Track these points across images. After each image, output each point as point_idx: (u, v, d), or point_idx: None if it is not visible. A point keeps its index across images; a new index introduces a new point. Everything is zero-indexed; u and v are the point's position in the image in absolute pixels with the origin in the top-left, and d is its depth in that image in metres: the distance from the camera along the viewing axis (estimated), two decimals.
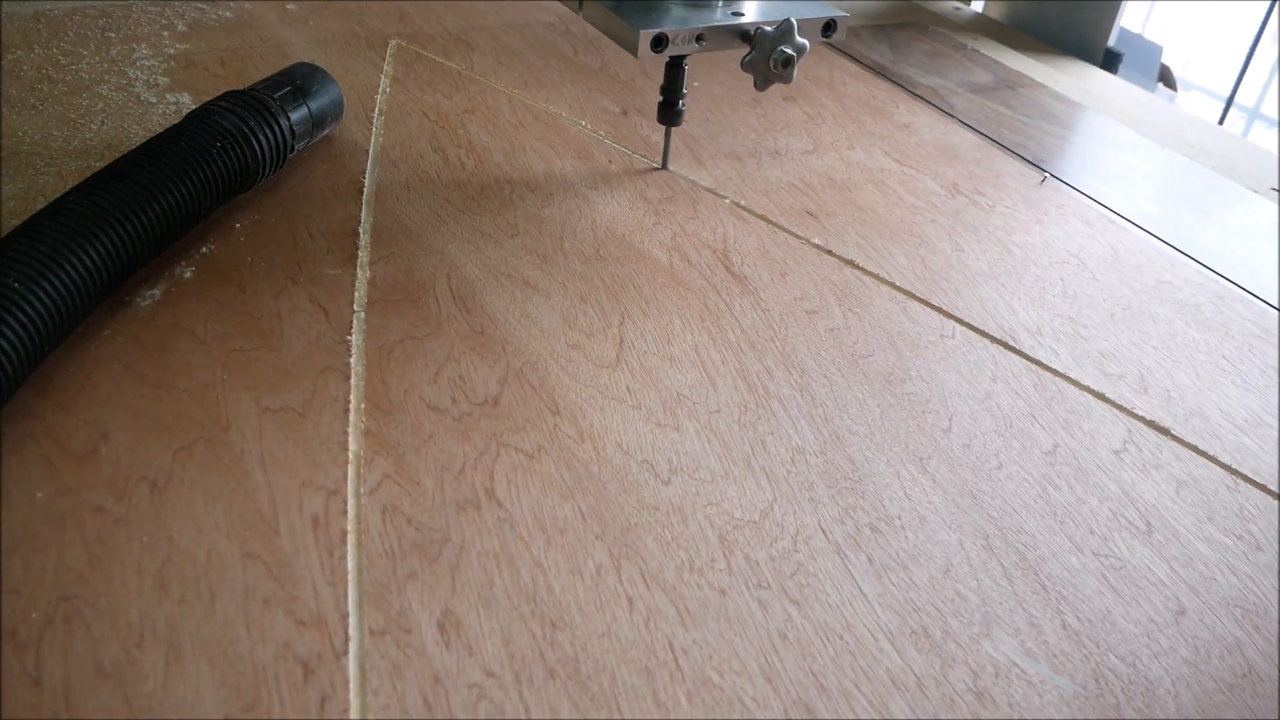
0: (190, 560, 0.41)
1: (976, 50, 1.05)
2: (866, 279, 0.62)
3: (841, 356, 0.55)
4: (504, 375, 0.52)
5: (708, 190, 0.71)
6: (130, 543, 0.41)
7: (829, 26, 0.64)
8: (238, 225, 0.62)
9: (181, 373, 0.50)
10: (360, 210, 0.64)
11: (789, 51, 0.60)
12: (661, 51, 0.59)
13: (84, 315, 0.51)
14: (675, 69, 0.67)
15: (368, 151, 0.71)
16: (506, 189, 0.68)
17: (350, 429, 0.48)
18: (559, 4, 0.99)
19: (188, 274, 0.57)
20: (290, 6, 0.95)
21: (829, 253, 0.65)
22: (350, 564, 0.41)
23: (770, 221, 0.68)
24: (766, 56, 0.60)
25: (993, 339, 0.58)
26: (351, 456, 0.46)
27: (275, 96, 0.64)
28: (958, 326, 0.59)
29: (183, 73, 0.79)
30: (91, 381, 0.49)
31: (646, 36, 0.58)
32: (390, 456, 0.46)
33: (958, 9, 1.22)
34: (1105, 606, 0.42)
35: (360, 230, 0.62)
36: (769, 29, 0.59)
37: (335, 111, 0.71)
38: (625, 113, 0.81)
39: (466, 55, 0.88)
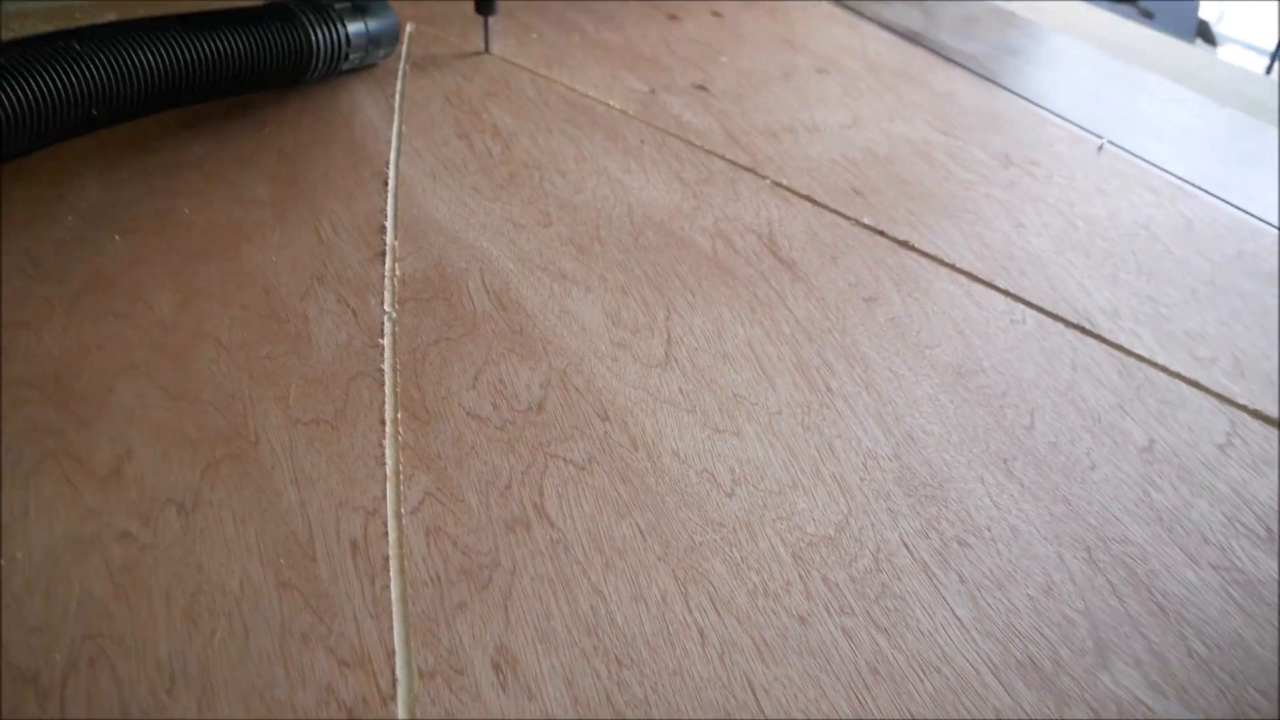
0: (221, 591, 0.37)
1: (1012, 12, 1.01)
2: (924, 261, 0.59)
3: (906, 347, 0.52)
4: (547, 378, 0.48)
5: (746, 170, 0.67)
6: (158, 571, 0.38)
7: None
8: (260, 224, 0.58)
9: (206, 383, 0.47)
10: (385, 203, 0.61)
11: None
12: None
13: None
14: None
15: (390, 141, 0.68)
16: (536, 175, 0.65)
17: (387, 441, 0.44)
18: None
19: (209, 277, 0.54)
20: None
21: (881, 233, 0.61)
22: (394, 593, 0.38)
23: (815, 202, 0.64)
24: None
25: (1068, 323, 0.54)
26: (389, 473, 0.43)
27: (337, 6, 0.71)
28: (1027, 310, 0.55)
29: None
30: (114, 394, 0.46)
31: None
32: (431, 471, 0.43)
33: None
34: (1234, 629, 0.38)
35: (386, 224, 0.59)
36: None
37: (390, 36, 0.75)
38: (653, 91, 0.77)
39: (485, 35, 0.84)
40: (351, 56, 0.72)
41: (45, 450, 0.43)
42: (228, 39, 0.62)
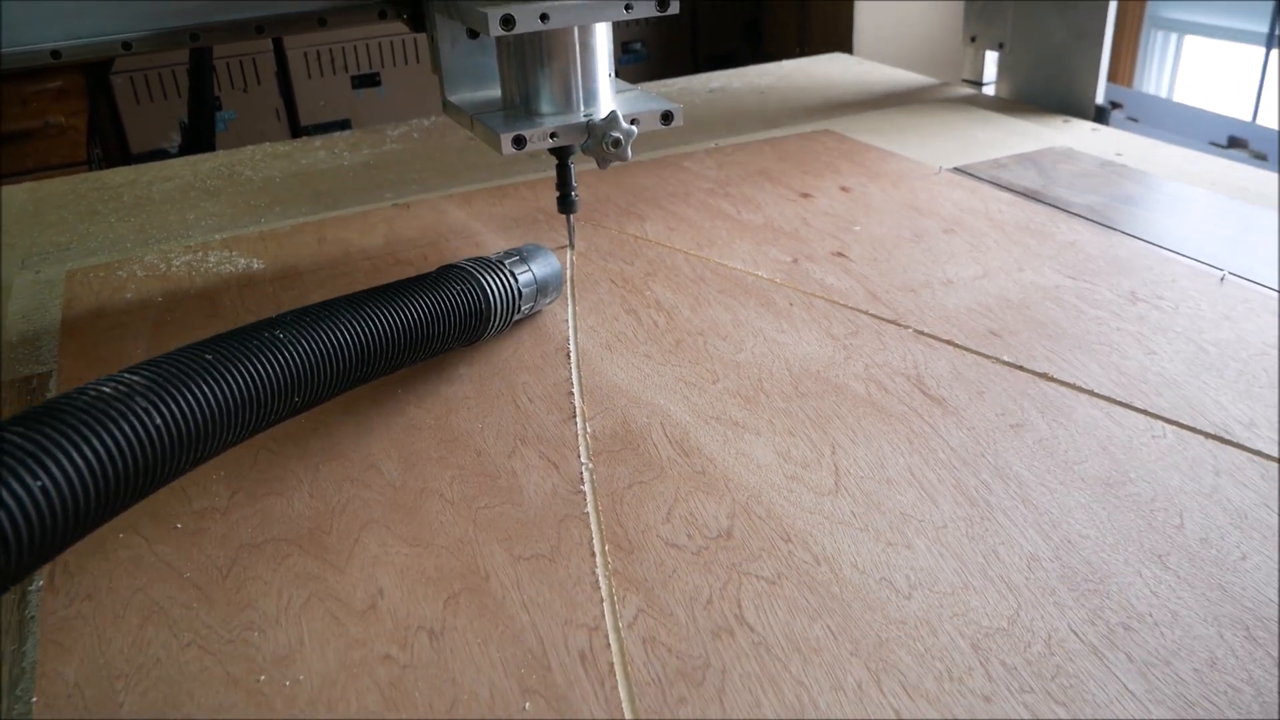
0: (476, 699, 0.44)
1: (1125, 165, 1.07)
2: (1064, 390, 0.64)
3: (1055, 465, 0.56)
4: (731, 510, 0.55)
5: (890, 322, 0.74)
6: (419, 686, 0.45)
7: (666, 116, 0.76)
8: (465, 398, 0.67)
9: (439, 532, 0.54)
10: (570, 373, 0.69)
11: (616, 134, 0.73)
12: (522, 149, 0.72)
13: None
14: (563, 167, 0.80)
15: (567, 321, 0.77)
16: (699, 340, 0.73)
17: (599, 569, 0.51)
18: (713, 173, 1.05)
19: (426, 444, 0.62)
20: (471, 198, 1.03)
21: (1021, 368, 0.67)
22: (622, 694, 0.44)
23: (957, 345, 0.70)
24: (599, 140, 0.73)
25: (1206, 435, 0.58)
26: (605, 595, 0.49)
27: (506, 262, 0.73)
28: (1167, 426, 0.59)
29: (391, 270, 0.88)
30: (361, 545, 0.54)
31: (507, 138, 0.71)
32: (640, 592, 0.49)
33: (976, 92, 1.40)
34: None
35: (573, 391, 0.67)
36: (600, 119, 0.73)
37: (556, 282, 0.78)
38: (796, 260, 0.85)
39: (640, 225, 0.94)
40: (523, 308, 0.74)
41: (310, 593, 0.51)
42: (416, 311, 0.63)
